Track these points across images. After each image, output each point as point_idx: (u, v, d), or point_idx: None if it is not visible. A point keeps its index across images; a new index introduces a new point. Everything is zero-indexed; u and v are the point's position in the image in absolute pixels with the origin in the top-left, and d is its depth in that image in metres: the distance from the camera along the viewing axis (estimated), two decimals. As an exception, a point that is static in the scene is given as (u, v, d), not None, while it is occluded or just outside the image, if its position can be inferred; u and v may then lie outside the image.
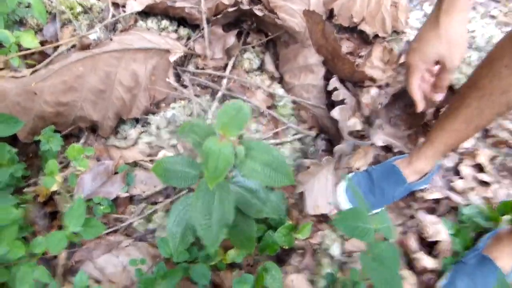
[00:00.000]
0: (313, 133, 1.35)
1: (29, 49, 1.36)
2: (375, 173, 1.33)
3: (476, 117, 1.08)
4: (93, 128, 1.32)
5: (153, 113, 1.35)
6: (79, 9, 1.50)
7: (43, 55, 1.42)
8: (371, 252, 0.83)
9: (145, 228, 1.21)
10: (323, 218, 1.29)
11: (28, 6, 1.43)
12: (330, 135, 1.37)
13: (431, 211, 1.34)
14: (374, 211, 1.33)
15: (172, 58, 1.32)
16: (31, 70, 1.27)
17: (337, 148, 1.22)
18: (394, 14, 1.54)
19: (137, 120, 1.35)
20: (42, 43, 1.44)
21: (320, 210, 1.28)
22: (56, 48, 1.41)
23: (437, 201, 1.34)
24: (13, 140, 1.23)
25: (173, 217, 1.01)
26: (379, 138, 1.35)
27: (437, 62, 0.99)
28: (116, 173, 1.25)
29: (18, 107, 1.20)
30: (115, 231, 1.19)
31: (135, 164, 1.28)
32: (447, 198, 1.34)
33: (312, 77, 1.39)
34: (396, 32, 1.56)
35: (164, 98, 1.37)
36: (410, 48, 1.00)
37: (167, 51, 1.36)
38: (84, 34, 1.40)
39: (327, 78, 1.40)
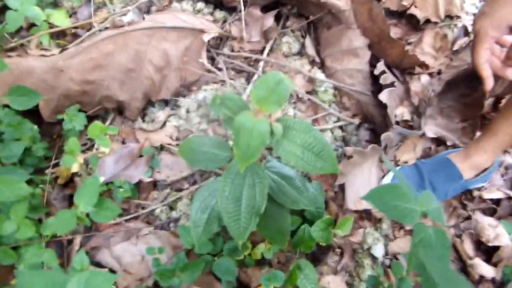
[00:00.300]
0: (356, 120, 1.20)
1: (61, 30, 1.32)
2: (425, 167, 1.16)
3: None
4: (120, 110, 1.23)
5: (184, 96, 1.25)
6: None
7: (75, 36, 1.35)
8: (416, 237, 0.67)
9: (168, 216, 1.09)
10: (365, 215, 1.14)
11: (63, -15, 1.38)
12: (375, 124, 1.22)
13: (490, 212, 1.16)
14: (424, 210, 1.16)
15: (207, 37, 1.22)
16: (60, 49, 1.21)
17: (384, 135, 1.07)
18: (449, -3, 1.38)
19: (166, 103, 1.25)
20: (76, 27, 1.39)
21: (362, 205, 1.13)
22: (89, 29, 1.35)
23: (497, 201, 1.16)
24: (38, 119, 1.16)
25: (198, 203, 0.90)
26: (430, 129, 1.19)
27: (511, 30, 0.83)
28: (141, 156, 1.15)
29: (44, 84, 1.12)
30: (135, 218, 1.09)
31: (161, 147, 1.18)
32: (509, 198, 1.16)
33: (356, 61, 1.25)
34: (449, 17, 1.40)
35: (196, 80, 1.27)
36: (480, 12, 0.84)
37: (201, 31, 1.26)
38: (117, 14, 1.33)
39: (372, 64, 1.26)
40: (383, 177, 1.19)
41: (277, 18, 1.39)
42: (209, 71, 1.25)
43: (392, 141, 1.19)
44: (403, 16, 1.43)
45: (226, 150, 0.91)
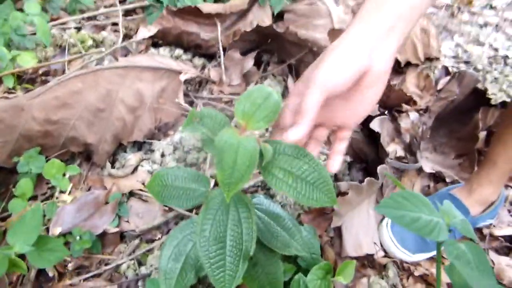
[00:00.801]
0: (347, 157, 1.08)
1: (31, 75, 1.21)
2: (427, 206, 1.03)
3: None
4: (88, 155, 1.08)
5: (159, 139, 1.12)
6: (90, 42, 1.37)
7: (45, 83, 1.25)
8: (450, 256, 0.52)
9: (136, 273, 0.89)
10: (367, 261, 0.96)
11: (34, 33, 1.30)
12: (368, 163, 1.10)
13: (504, 251, 1.00)
14: (432, 253, 1.00)
15: (183, 77, 1.13)
16: (26, 91, 1.09)
17: (380, 167, 0.94)
18: (426, 40, 1.36)
19: (139, 146, 1.11)
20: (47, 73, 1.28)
21: (364, 251, 0.96)
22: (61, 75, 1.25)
23: (509, 239, 1.01)
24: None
25: (169, 249, 0.72)
26: (427, 165, 1.08)
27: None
28: (107, 203, 0.98)
29: (2, 124, 0.98)
30: (97, 276, 0.88)
31: (131, 194, 1.01)
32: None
33: (341, 99, 1.16)
34: (429, 59, 1.37)
35: (173, 125, 1.15)
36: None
37: (178, 73, 1.17)
38: (92, 61, 1.24)
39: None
40: (382, 219, 1.05)
41: (258, 64, 1.33)
42: (186, 112, 1.14)
43: (388, 180, 1.07)
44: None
45: (205, 184, 0.75)
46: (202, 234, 0.59)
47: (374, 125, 0.97)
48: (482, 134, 1.16)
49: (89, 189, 1.03)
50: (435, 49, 1.35)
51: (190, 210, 0.97)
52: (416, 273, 0.95)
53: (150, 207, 0.98)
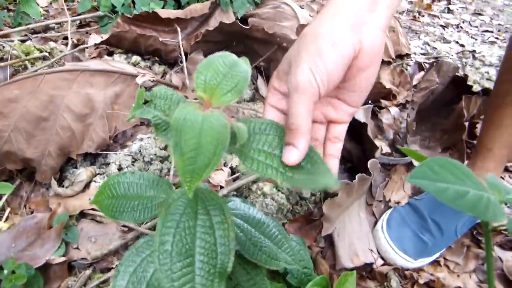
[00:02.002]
0: (330, 157, 0.93)
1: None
2: (423, 204, 0.88)
3: None
4: (31, 174, 0.86)
5: (115, 151, 0.92)
6: (36, 53, 1.17)
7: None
8: None
9: (90, 310, 0.68)
10: (366, 272, 0.79)
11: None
12: (353, 162, 0.95)
13: (510, 246, 0.86)
14: (434, 256, 0.84)
15: (140, 80, 0.95)
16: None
17: (371, 161, 0.79)
18: (395, 38, 1.26)
19: (93, 160, 0.91)
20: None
21: (361, 260, 0.79)
22: None
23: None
24: None
25: (124, 278, 0.50)
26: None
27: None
28: (51, 227, 0.76)
29: None
30: (38, 319, 0.66)
31: (82, 215, 0.81)
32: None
33: (317, 96, 1.02)
34: (400, 56, 1.27)
35: (131, 134, 0.96)
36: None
37: (135, 77, 0.99)
38: (37, 69, 1.04)
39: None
40: (375, 223, 0.89)
41: (223, 69, 1.18)
42: (146, 119, 0.96)
43: (376, 179, 0.92)
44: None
45: (166, 189, 0.56)
46: (162, 248, 0.40)
47: (359, 116, 0.83)
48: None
49: (31, 213, 0.82)
50: (405, 46, 1.25)
51: (155, 228, 0.77)
52: (421, 281, 0.79)
53: (105, 229, 0.77)
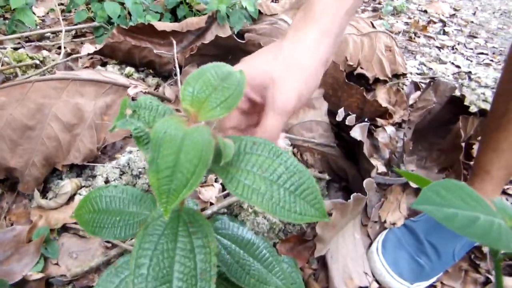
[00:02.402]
0: (325, 176, 0.90)
1: None
2: (419, 226, 0.84)
3: None
4: (14, 184, 0.82)
5: (103, 163, 0.88)
6: (28, 61, 1.14)
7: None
8: None
9: (67, 332, 0.63)
10: (360, 296, 0.75)
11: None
12: (348, 181, 0.92)
13: (508, 271, 0.83)
14: (431, 281, 0.81)
15: (132, 91, 0.92)
16: None
17: (367, 181, 0.76)
18: (391, 57, 1.25)
19: (80, 172, 0.87)
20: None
21: (355, 283, 0.75)
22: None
23: (510, 256, 0.84)
24: None
25: None
26: (414, 179, 0.91)
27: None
28: (30, 241, 0.72)
29: None
30: None
31: (64, 229, 0.76)
32: (528, 254, 0.85)
33: (313, 113, 0.99)
34: (396, 75, 1.25)
35: (121, 146, 0.93)
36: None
37: (127, 88, 0.97)
38: (28, 77, 1.01)
39: (331, 121, 1.02)
40: (370, 245, 0.85)
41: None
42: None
43: (371, 199, 0.89)
44: (351, 78, 1.26)
45: (149, 206, 0.53)
46: (138, 272, 0.36)
47: (355, 133, 0.80)
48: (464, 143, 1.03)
49: (11, 225, 0.77)
50: (401, 65, 1.24)
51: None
52: (420, 305, 0.75)
53: (88, 245, 0.73)
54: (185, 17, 1.36)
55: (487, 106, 1.18)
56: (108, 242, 0.74)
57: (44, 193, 0.83)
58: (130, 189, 0.53)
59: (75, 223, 0.76)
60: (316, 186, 0.39)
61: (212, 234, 0.40)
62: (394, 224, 0.88)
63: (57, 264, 0.71)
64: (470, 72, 1.31)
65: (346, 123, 0.86)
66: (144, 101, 0.44)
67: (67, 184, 0.81)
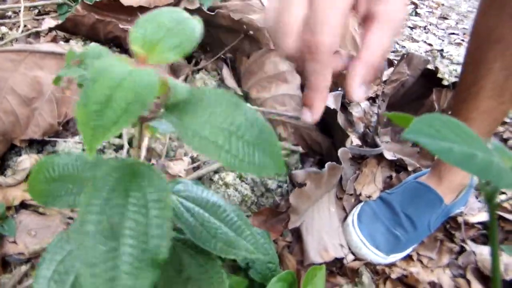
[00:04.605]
0: (299, 148, 0.87)
1: None
2: (395, 198, 0.83)
3: (506, 81, 0.69)
4: (-36, 163, 0.77)
5: (65, 138, 0.83)
6: (-16, 40, 1.07)
7: None
8: None
9: (24, 312, 0.59)
10: (336, 268, 0.73)
11: None
12: (323, 154, 0.90)
13: (482, 240, 0.83)
14: (407, 251, 0.80)
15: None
16: None
17: (342, 150, 0.74)
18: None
19: (41, 149, 0.82)
20: None
21: (331, 255, 0.73)
22: None
23: (485, 225, 0.84)
24: None
25: (49, 267, 0.42)
26: (388, 150, 0.90)
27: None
28: (-16, 219, 0.67)
29: None
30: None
31: (23, 206, 0.71)
32: (498, 219, 0.85)
33: (286, 86, 0.97)
34: (370, 53, 1.24)
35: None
36: None
37: (91, 62, 0.91)
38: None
39: (302, 89, 0.99)
40: (345, 217, 0.83)
41: (189, 59, 1.11)
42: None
43: (346, 172, 0.87)
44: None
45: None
46: (84, 229, 0.32)
47: (329, 102, 0.78)
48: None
49: (-37, 207, 0.71)
50: (375, 42, 1.23)
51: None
52: (393, 276, 0.74)
53: (48, 221, 0.68)
54: (154, -7, 1.30)
55: (459, 82, 1.18)
56: (69, 218, 0.69)
57: (2, 171, 0.77)
58: (84, 155, 0.49)
59: (34, 200, 0.71)
60: (274, 137, 0.37)
61: (167, 188, 0.36)
62: (369, 197, 0.86)
63: (14, 242, 0.65)
64: (442, 50, 1.31)
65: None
66: (92, 49, 0.41)
67: (26, 160, 0.75)
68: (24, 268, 0.62)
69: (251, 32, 0.98)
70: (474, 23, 0.73)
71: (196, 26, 0.37)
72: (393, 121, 0.92)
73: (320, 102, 0.36)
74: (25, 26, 1.17)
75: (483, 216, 0.84)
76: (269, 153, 0.36)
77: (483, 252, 0.78)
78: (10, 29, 1.24)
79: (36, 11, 1.36)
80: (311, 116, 0.36)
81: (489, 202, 0.35)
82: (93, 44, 0.40)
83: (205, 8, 1.24)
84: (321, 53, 0.34)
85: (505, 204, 0.87)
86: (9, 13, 1.35)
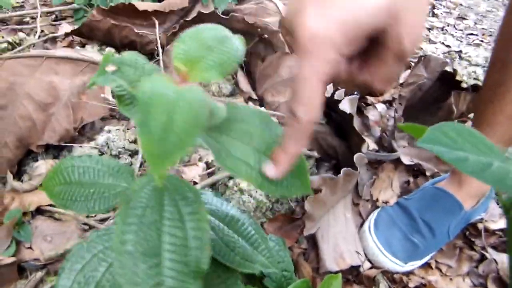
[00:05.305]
0: (315, 153, 0.86)
1: None
2: (412, 204, 0.81)
3: None
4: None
5: (80, 143, 0.83)
6: (4, 45, 1.08)
7: None
8: None
9: (40, 318, 0.59)
10: (353, 276, 0.72)
11: None
12: (338, 159, 0.88)
13: (503, 248, 0.80)
14: (425, 259, 0.77)
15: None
16: None
17: (357, 155, 0.72)
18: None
19: (57, 153, 0.82)
20: None
21: (347, 263, 0.71)
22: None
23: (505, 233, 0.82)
24: None
25: (69, 277, 0.41)
26: (405, 155, 0.88)
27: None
28: (1, 225, 0.67)
29: None
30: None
31: (39, 211, 0.72)
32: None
33: (300, 90, 0.96)
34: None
35: (101, 127, 0.88)
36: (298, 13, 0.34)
37: (106, 67, 0.92)
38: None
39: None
40: (362, 224, 0.82)
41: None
42: (114, 109, 0.87)
43: (363, 177, 0.85)
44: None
45: (127, 177, 0.48)
46: (123, 249, 0.32)
47: (344, 106, 0.76)
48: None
49: (-19, 212, 0.72)
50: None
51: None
52: (411, 284, 0.71)
53: (63, 227, 0.68)
54: (168, -3, 1.31)
55: (479, 83, 1.15)
56: (85, 224, 0.69)
57: (19, 176, 0.78)
58: (106, 159, 0.49)
59: (50, 205, 0.71)
60: (302, 157, 0.36)
61: (201, 200, 0.35)
62: (386, 202, 0.84)
63: (30, 248, 0.66)
64: (460, 51, 1.28)
65: (335, 97, 0.82)
66: (129, 57, 0.40)
67: (42, 165, 0.76)
68: (39, 274, 0.62)
69: (265, 36, 0.97)
70: (503, 21, 0.71)
71: (239, 46, 0.36)
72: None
73: (286, 164, 0.34)
74: (42, 31, 1.19)
75: (504, 223, 0.81)
76: (296, 173, 0.36)
77: (504, 260, 0.75)
78: (28, 34, 1.26)
79: (53, 16, 1.38)
80: (274, 172, 0.35)
81: (507, 213, 0.34)
82: (129, 53, 0.40)
83: (219, 12, 1.24)
84: (298, 124, 0.33)
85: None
86: (27, 19, 1.37)
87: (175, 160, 0.27)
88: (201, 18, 0.98)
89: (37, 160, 0.80)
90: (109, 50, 1.05)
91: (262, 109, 0.94)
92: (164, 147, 0.27)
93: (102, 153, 0.81)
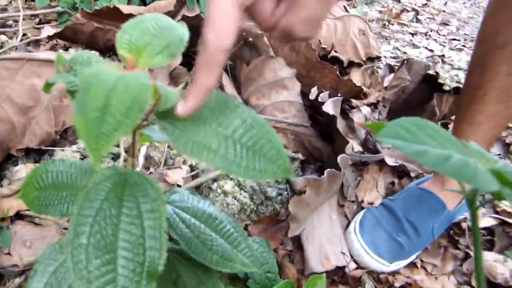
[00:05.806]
0: (299, 155, 0.85)
1: None
2: (397, 204, 0.81)
3: None
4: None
5: (62, 147, 0.82)
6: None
7: None
8: None
9: (17, 326, 0.57)
10: (337, 276, 0.71)
11: None
12: (324, 161, 0.88)
13: (487, 246, 0.80)
14: (410, 259, 0.78)
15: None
16: None
17: (341, 157, 0.72)
18: (365, 41, 1.22)
19: (38, 158, 0.80)
20: None
21: (332, 264, 0.71)
22: None
23: (490, 231, 0.82)
24: None
25: (41, 280, 0.40)
26: (389, 156, 0.88)
27: None
28: (-22, 230, 0.65)
29: None
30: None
31: (18, 216, 0.70)
32: (503, 224, 0.83)
33: (286, 93, 0.96)
34: (371, 59, 1.23)
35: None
36: None
37: (89, 70, 0.91)
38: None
39: (304, 102, 0.98)
40: (347, 225, 0.82)
41: (189, 66, 1.11)
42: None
43: (348, 178, 0.85)
44: (325, 61, 1.23)
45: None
46: (77, 242, 0.31)
47: (328, 108, 0.76)
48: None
49: (-42, 217, 0.70)
50: (375, 48, 1.22)
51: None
52: (397, 284, 0.71)
53: (43, 232, 0.67)
54: (153, 1, 1.30)
55: (460, 86, 1.17)
56: (65, 229, 0.68)
57: (-2, 181, 0.76)
58: (79, 163, 0.48)
59: (29, 209, 0.70)
60: (277, 139, 0.35)
61: (162, 198, 0.35)
62: (371, 203, 0.85)
63: (9, 253, 0.64)
64: (443, 56, 1.30)
65: (319, 100, 0.83)
66: (80, 55, 0.40)
67: (22, 170, 0.74)
68: (18, 280, 0.61)
69: (250, 39, 0.97)
70: (481, 26, 0.72)
71: (182, 31, 0.36)
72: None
73: (195, 99, 0.33)
74: (25, 34, 1.17)
75: (488, 222, 0.82)
76: (271, 157, 0.35)
77: (488, 258, 0.76)
78: (10, 37, 1.24)
79: (37, 19, 1.37)
80: (183, 107, 0.33)
81: (470, 205, 0.34)
82: (80, 52, 0.39)
83: (204, 16, 1.24)
84: (208, 51, 0.31)
85: (510, 210, 0.85)
86: (10, 22, 1.35)
87: (112, 142, 0.26)
88: (186, 21, 0.97)
89: (17, 164, 0.78)
90: (94, 53, 1.04)
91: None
92: (101, 129, 0.26)
93: (84, 157, 0.79)
